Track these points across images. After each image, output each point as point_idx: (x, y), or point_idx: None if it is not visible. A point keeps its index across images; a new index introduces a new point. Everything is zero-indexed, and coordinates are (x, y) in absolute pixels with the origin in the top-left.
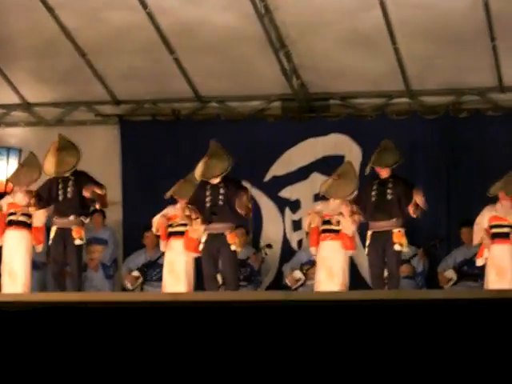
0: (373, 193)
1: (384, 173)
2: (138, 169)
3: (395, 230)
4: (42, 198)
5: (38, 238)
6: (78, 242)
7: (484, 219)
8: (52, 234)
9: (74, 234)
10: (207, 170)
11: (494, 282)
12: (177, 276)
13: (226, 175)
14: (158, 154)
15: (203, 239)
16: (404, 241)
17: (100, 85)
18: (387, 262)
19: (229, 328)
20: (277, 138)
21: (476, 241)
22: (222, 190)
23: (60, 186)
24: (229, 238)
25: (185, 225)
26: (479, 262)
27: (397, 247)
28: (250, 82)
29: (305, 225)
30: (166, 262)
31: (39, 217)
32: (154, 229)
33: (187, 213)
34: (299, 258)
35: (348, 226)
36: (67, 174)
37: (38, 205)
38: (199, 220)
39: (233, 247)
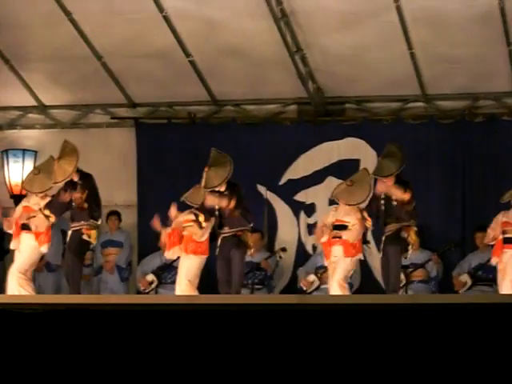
0: (382, 201)
1: (389, 180)
2: (153, 172)
3: (406, 226)
4: (54, 206)
5: (41, 239)
6: (85, 237)
7: (497, 224)
8: (67, 238)
9: (84, 231)
10: (208, 181)
11: (504, 286)
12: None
13: (229, 180)
14: (173, 157)
15: (218, 243)
16: (413, 236)
17: (116, 88)
18: (389, 248)
19: (243, 331)
20: (292, 141)
21: (486, 240)
22: (226, 197)
23: (70, 191)
24: (242, 237)
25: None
26: (494, 261)
27: (403, 234)
28: (265, 86)
29: (315, 238)
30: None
31: (40, 223)
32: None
33: (195, 217)
34: (314, 261)
35: (351, 233)
36: (61, 183)
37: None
38: (209, 224)
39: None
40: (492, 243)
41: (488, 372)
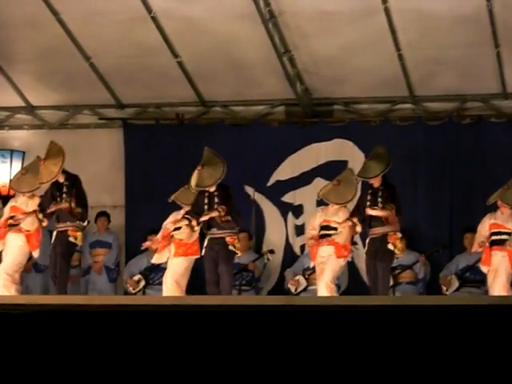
0: (367, 203)
1: (375, 182)
2: (141, 172)
3: (391, 233)
4: (44, 207)
5: (33, 243)
6: (72, 239)
7: (484, 227)
8: (53, 239)
9: (70, 233)
10: (201, 180)
11: (496, 288)
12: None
13: (221, 182)
14: (161, 158)
15: (204, 243)
16: (399, 244)
17: (104, 88)
18: (377, 263)
19: (230, 332)
20: (280, 142)
21: (474, 248)
22: (216, 199)
23: (57, 193)
24: (228, 240)
25: (178, 228)
26: (484, 269)
27: (390, 246)
28: (253, 87)
29: (306, 240)
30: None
31: (29, 222)
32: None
33: (189, 222)
34: (301, 263)
35: (341, 235)
36: (47, 184)
37: (42, 213)
38: (198, 227)
39: (231, 247)
40: (480, 250)
41: (476, 373)
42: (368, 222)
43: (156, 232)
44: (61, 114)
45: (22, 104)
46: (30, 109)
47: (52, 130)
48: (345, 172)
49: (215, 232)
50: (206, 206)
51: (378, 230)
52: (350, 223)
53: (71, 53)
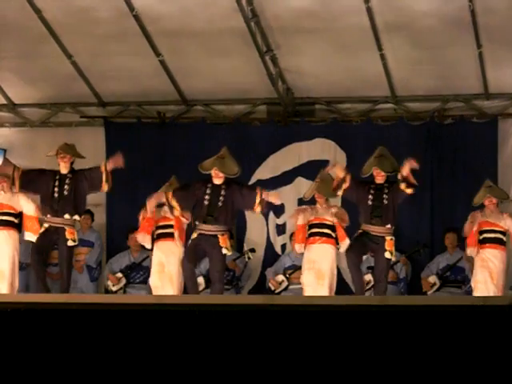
0: (370, 196)
1: (381, 178)
2: (122, 171)
3: (388, 238)
4: (29, 180)
5: (32, 226)
6: (70, 243)
7: (475, 218)
8: (41, 230)
9: (68, 235)
10: (223, 166)
11: (482, 283)
12: (168, 277)
13: (230, 179)
14: (142, 157)
15: (193, 236)
16: (394, 250)
17: (86, 86)
18: (375, 268)
19: (211, 331)
20: (262, 141)
21: (464, 233)
22: (223, 192)
23: (56, 184)
24: (221, 241)
25: (172, 226)
26: (469, 252)
27: (387, 255)
28: (235, 86)
29: (292, 222)
30: (156, 262)
31: (26, 204)
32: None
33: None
34: (283, 262)
35: (339, 231)
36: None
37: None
38: (178, 212)
39: (224, 251)
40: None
41: (454, 373)
42: (368, 217)
43: (136, 229)
44: (42, 112)
45: (4, 102)
46: (11, 107)
47: (34, 127)
48: (322, 172)
49: (205, 228)
50: (207, 197)
51: (375, 228)
52: (334, 211)
53: (53, 51)
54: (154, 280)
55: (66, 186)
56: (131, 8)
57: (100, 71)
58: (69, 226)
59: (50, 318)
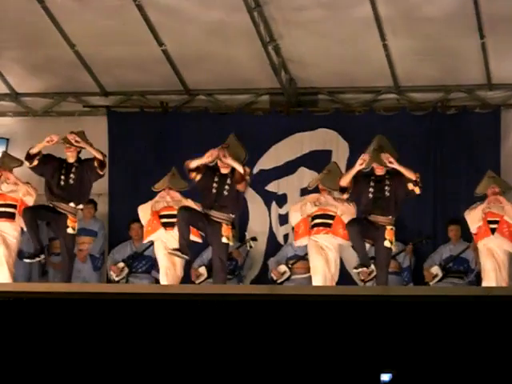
0: (370, 189)
1: (380, 170)
2: (124, 160)
3: (388, 227)
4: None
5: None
6: (70, 230)
7: (476, 216)
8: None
9: (69, 223)
10: (236, 153)
11: (489, 271)
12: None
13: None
14: (145, 146)
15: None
16: (393, 239)
17: (88, 76)
18: (376, 257)
19: (213, 321)
20: (264, 131)
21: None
22: (229, 180)
23: (63, 171)
24: (224, 230)
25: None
26: (480, 245)
27: (387, 243)
28: (238, 76)
29: (296, 214)
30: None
31: (26, 194)
32: (142, 220)
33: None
34: (285, 252)
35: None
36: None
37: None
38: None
39: (224, 239)
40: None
41: (459, 363)
42: (369, 208)
43: (138, 220)
44: (45, 102)
45: (7, 91)
46: (14, 96)
47: (36, 117)
48: (331, 164)
49: (213, 214)
50: (215, 185)
51: (377, 218)
52: (341, 202)
53: (56, 40)
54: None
55: (71, 175)
56: None
57: (103, 60)
58: (71, 214)
59: (53, 307)
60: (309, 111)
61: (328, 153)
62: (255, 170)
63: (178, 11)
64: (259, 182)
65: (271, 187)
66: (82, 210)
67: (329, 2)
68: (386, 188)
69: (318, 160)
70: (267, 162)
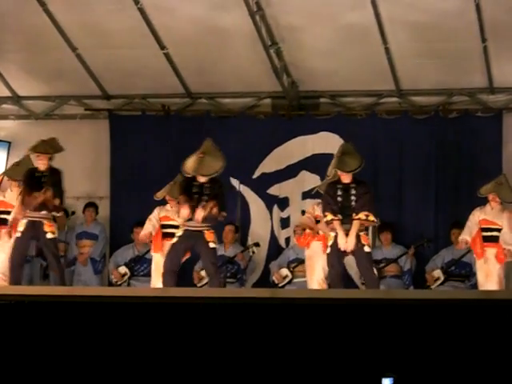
0: (338, 198)
1: (346, 177)
2: (126, 164)
3: (361, 233)
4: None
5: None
6: (50, 235)
7: (474, 221)
8: (21, 227)
9: (46, 228)
10: (201, 167)
11: (482, 283)
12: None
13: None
14: (147, 150)
15: (178, 233)
16: (370, 243)
17: (90, 79)
18: (359, 265)
19: (215, 324)
20: (266, 135)
21: (458, 246)
22: (207, 191)
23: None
24: (207, 236)
25: (177, 227)
26: (479, 265)
27: (366, 249)
28: (240, 79)
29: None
30: (155, 263)
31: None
32: (144, 236)
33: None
34: (286, 255)
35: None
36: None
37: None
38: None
39: (211, 245)
40: (464, 247)
41: (460, 367)
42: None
43: (142, 224)
44: (47, 105)
45: (8, 94)
46: (16, 99)
47: (38, 120)
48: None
49: (193, 224)
50: (196, 196)
51: (346, 227)
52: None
53: (58, 43)
54: (153, 279)
55: (43, 185)
56: (136, 1)
57: (105, 64)
58: (47, 219)
59: (55, 310)
60: (311, 115)
61: (330, 156)
62: (257, 174)
63: (180, 15)
64: (261, 185)
65: (273, 190)
66: (58, 216)
67: (330, 6)
68: (353, 198)
69: (319, 163)
70: (269, 165)
